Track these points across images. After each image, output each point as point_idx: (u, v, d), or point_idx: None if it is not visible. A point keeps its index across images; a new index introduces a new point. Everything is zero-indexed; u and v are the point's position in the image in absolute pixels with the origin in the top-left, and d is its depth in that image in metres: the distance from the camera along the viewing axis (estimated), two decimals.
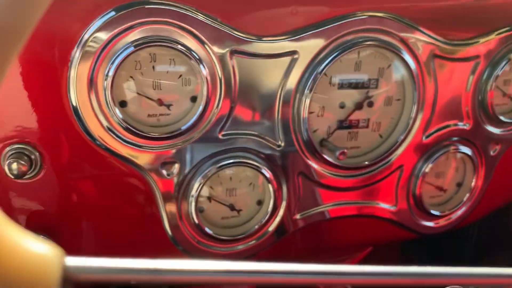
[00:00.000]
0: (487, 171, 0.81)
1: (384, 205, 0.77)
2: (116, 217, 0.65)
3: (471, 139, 0.77)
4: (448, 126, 0.75)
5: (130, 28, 0.55)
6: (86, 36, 0.54)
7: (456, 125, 0.75)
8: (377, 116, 0.71)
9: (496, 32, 0.71)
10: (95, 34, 0.54)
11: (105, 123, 0.57)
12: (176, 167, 0.62)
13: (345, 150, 0.66)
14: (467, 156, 0.78)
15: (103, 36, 0.54)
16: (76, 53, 0.54)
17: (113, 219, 0.65)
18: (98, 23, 0.54)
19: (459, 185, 0.82)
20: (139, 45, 0.55)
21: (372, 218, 0.77)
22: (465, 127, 0.76)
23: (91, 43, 0.54)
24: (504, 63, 0.73)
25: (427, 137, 0.74)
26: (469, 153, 0.78)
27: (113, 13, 0.54)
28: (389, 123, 0.72)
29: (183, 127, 0.59)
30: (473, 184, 0.80)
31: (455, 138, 0.77)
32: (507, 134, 0.79)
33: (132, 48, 0.55)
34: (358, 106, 0.69)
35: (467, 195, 0.80)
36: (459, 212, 0.82)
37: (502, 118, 0.76)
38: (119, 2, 0.54)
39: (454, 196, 0.82)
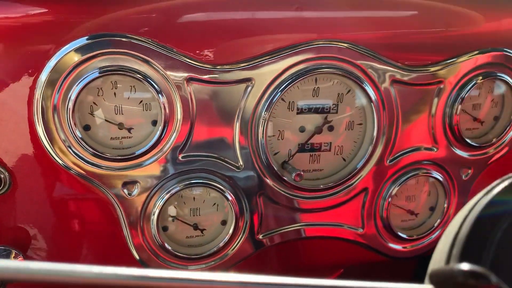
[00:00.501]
0: (461, 196, 0.81)
1: (350, 227, 0.78)
2: (81, 234, 0.69)
3: (440, 163, 0.78)
4: (414, 150, 0.76)
5: (93, 57, 0.59)
6: (52, 63, 0.59)
7: (423, 149, 0.76)
8: (340, 140, 0.73)
9: (460, 59, 0.73)
10: (61, 61, 0.59)
11: (68, 145, 0.62)
12: (137, 187, 0.66)
13: (301, 172, 0.68)
14: (437, 180, 0.78)
15: (68, 63, 0.59)
16: (42, 78, 0.59)
17: (78, 235, 0.69)
18: (64, 51, 0.59)
19: (432, 209, 0.82)
20: (101, 72, 0.59)
21: (339, 240, 0.78)
22: (433, 151, 0.77)
23: (56, 69, 0.59)
24: (469, 87, 0.74)
25: (391, 161, 0.75)
26: (439, 177, 0.78)
27: (78, 43, 0.59)
28: (352, 147, 0.74)
29: (143, 149, 0.63)
30: (444, 209, 0.80)
31: (424, 162, 0.77)
32: (478, 159, 0.79)
33: (94, 75, 0.60)
34: (318, 131, 0.71)
35: (438, 220, 0.80)
36: (432, 237, 0.82)
37: (470, 141, 0.76)
38: (82, 34, 0.59)
39: (427, 221, 0.82)
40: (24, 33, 0.59)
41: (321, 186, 0.72)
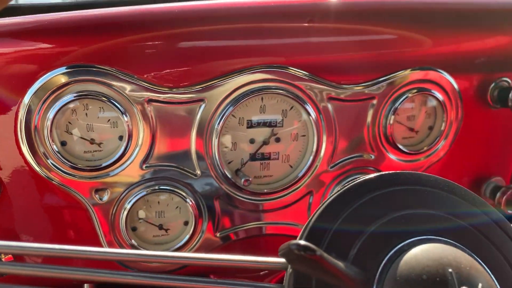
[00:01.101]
0: None
1: (300, 226, 0.88)
2: (62, 234, 0.80)
3: (377, 167, 0.88)
4: (353, 157, 0.87)
5: (67, 84, 0.71)
6: (33, 88, 0.70)
7: (361, 156, 0.87)
8: (286, 150, 0.84)
9: (391, 77, 0.83)
10: (41, 87, 0.70)
11: (47, 158, 0.73)
12: (107, 193, 0.77)
13: (250, 178, 0.79)
14: None
15: (47, 88, 0.70)
16: (25, 101, 0.70)
17: (59, 236, 0.80)
18: (43, 79, 0.70)
19: None
20: (75, 97, 0.71)
21: (291, 237, 0.89)
22: (370, 158, 0.87)
23: (36, 94, 0.70)
24: (400, 101, 0.84)
25: (332, 167, 0.86)
26: None
27: (56, 72, 0.71)
28: (297, 155, 0.85)
29: (109, 162, 0.75)
30: None
31: (364, 167, 0.88)
32: (413, 165, 0.90)
33: (68, 99, 0.71)
34: (266, 142, 0.82)
35: None
36: None
37: (403, 148, 0.87)
38: (60, 65, 0.70)
39: None
40: (13, 64, 0.70)
41: (265, 190, 0.82)
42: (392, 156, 0.87)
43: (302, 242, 0.36)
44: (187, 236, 0.81)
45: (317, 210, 0.41)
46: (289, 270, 0.38)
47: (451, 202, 0.44)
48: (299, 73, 0.78)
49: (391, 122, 0.84)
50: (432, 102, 0.88)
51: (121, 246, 0.80)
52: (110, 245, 0.80)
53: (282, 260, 0.38)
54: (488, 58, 0.89)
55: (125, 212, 0.78)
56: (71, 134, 0.74)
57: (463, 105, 0.89)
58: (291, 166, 0.85)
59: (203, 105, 0.76)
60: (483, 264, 0.42)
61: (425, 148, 0.87)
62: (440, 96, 0.86)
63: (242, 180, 0.79)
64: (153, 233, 0.83)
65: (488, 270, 0.42)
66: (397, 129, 0.88)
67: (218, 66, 0.76)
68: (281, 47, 0.78)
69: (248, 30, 0.76)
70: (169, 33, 0.73)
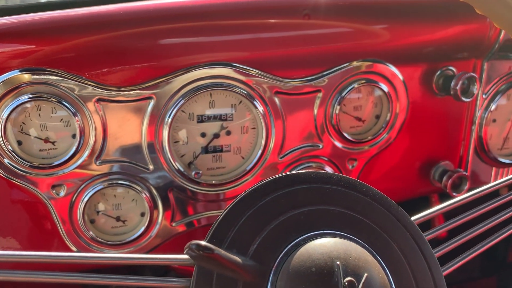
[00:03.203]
0: None
1: None
2: (23, 229, 0.84)
3: (326, 156, 0.92)
4: (302, 147, 0.91)
5: (20, 86, 0.74)
6: None
7: (309, 145, 0.91)
8: (238, 142, 0.88)
9: (334, 69, 0.87)
10: None
11: (3, 157, 0.76)
12: (64, 188, 0.81)
13: (200, 171, 0.83)
14: (323, 170, 0.93)
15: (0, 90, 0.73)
16: None
17: (21, 231, 0.84)
18: None
19: None
20: (30, 98, 0.74)
21: None
22: (318, 147, 0.91)
23: None
24: (346, 92, 0.88)
25: (282, 157, 0.90)
26: (326, 168, 0.93)
27: (10, 74, 0.73)
28: (248, 147, 0.88)
29: (63, 159, 0.78)
30: None
31: (313, 156, 0.92)
32: (360, 152, 0.94)
33: (21, 101, 0.74)
34: (216, 135, 0.85)
35: None
36: None
37: (348, 137, 0.91)
38: (11, 67, 0.73)
39: None
40: None
41: (213, 181, 0.86)
42: (338, 145, 0.91)
43: (201, 242, 0.40)
44: (143, 228, 0.86)
45: (224, 210, 0.45)
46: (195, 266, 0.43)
47: (352, 198, 0.48)
48: (244, 69, 0.82)
49: (337, 112, 0.88)
50: (378, 92, 0.92)
51: (80, 238, 0.84)
52: (71, 239, 0.84)
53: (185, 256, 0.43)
54: (435, 48, 0.93)
55: (82, 206, 0.82)
56: (26, 134, 0.77)
57: (410, 94, 0.93)
58: (242, 158, 0.89)
59: (152, 102, 0.80)
60: (377, 255, 0.46)
61: (370, 137, 0.91)
62: (385, 87, 0.90)
63: (193, 172, 0.83)
64: (112, 225, 0.87)
65: (381, 261, 0.46)
66: (344, 119, 0.92)
67: (165, 64, 0.79)
68: (225, 43, 0.81)
69: (192, 28, 0.79)
70: (114, 34, 0.76)
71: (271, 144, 0.87)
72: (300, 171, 0.48)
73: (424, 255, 0.48)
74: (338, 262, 0.42)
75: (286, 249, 0.44)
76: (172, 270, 1.06)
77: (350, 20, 0.86)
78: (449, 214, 0.56)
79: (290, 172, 0.48)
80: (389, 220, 0.48)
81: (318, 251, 0.43)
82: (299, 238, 0.44)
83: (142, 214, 0.88)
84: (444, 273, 0.49)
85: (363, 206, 0.48)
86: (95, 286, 1.11)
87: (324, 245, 0.44)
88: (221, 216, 0.44)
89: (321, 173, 0.49)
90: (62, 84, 0.75)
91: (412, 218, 0.50)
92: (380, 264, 0.45)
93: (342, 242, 0.45)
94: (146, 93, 0.79)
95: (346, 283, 0.40)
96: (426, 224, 0.55)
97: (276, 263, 0.43)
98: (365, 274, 0.42)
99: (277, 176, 0.48)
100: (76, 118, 0.76)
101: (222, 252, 0.40)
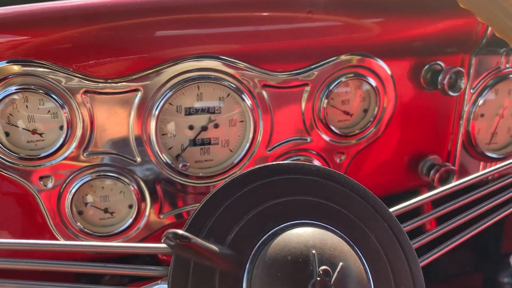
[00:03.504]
0: None
1: None
2: (13, 220, 0.85)
3: (314, 149, 0.93)
4: (290, 140, 0.91)
5: (6, 78, 0.74)
6: None
7: (297, 139, 0.91)
8: (226, 135, 0.88)
9: (324, 63, 0.87)
10: None
11: None
12: (51, 180, 0.81)
13: (187, 164, 0.83)
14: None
15: None
16: None
17: (11, 222, 0.85)
18: None
19: None
20: (17, 89, 0.74)
21: None
22: (307, 141, 0.92)
23: None
24: (333, 86, 0.88)
25: (270, 150, 0.90)
26: (315, 161, 0.93)
27: None
28: (236, 140, 0.89)
29: (50, 151, 0.78)
30: None
31: (301, 150, 0.93)
32: (348, 145, 0.95)
33: (7, 92, 0.74)
34: (204, 128, 0.86)
35: None
36: None
37: (336, 130, 0.91)
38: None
39: None
40: None
41: (200, 174, 0.87)
42: (326, 138, 0.92)
43: (178, 230, 0.41)
44: (131, 220, 0.86)
45: (203, 201, 0.45)
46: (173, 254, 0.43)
47: (330, 189, 0.49)
48: (233, 61, 0.82)
49: (325, 105, 0.89)
50: (366, 87, 0.92)
51: (68, 230, 0.85)
52: (59, 230, 0.85)
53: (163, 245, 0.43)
54: (423, 43, 0.93)
55: (70, 197, 0.82)
56: (14, 125, 0.77)
57: (398, 88, 0.93)
58: (231, 151, 0.89)
59: (139, 94, 0.80)
60: (354, 245, 0.47)
61: (357, 131, 0.92)
62: (373, 81, 0.90)
63: (180, 165, 0.83)
64: (99, 216, 0.87)
65: (358, 251, 0.47)
66: (332, 112, 0.92)
67: (152, 56, 0.79)
68: (214, 36, 0.81)
69: (180, 21, 0.79)
70: (102, 26, 0.76)
71: (259, 137, 0.88)
72: (279, 162, 0.49)
73: (402, 246, 0.49)
74: (313, 251, 0.42)
75: (263, 238, 0.44)
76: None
77: (340, 14, 0.86)
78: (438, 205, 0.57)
79: (269, 163, 0.49)
80: (367, 211, 0.49)
81: (294, 240, 0.43)
82: (277, 228, 0.45)
83: (130, 206, 0.88)
84: (422, 263, 0.50)
85: (342, 197, 0.49)
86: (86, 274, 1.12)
87: (301, 235, 0.44)
88: (200, 206, 0.45)
89: (300, 164, 0.49)
90: (49, 75, 0.75)
91: (391, 210, 0.51)
92: (357, 254, 0.46)
93: (319, 232, 0.45)
94: (133, 85, 0.79)
95: (321, 272, 0.41)
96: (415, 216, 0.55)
97: (253, 252, 0.43)
98: (341, 263, 0.42)
99: (256, 167, 0.49)
100: (64, 110, 0.77)
101: (199, 241, 0.41)
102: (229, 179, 0.47)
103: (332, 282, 0.41)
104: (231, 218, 0.45)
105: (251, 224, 0.45)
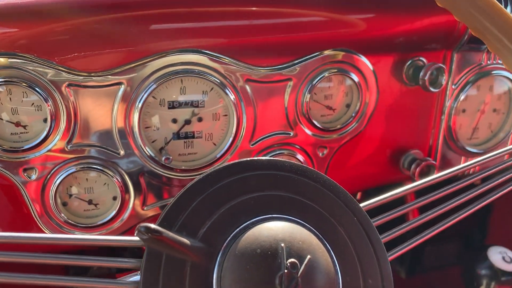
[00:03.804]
0: (320, 171, 0.98)
1: None
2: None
3: (297, 143, 0.94)
4: (273, 134, 0.92)
5: None
6: None
7: (281, 133, 0.92)
8: (209, 129, 0.89)
9: (304, 58, 0.88)
10: None
11: None
12: (35, 172, 0.82)
13: (170, 157, 0.84)
14: (297, 159, 0.95)
15: None
16: None
17: None
18: None
19: None
20: (1, 82, 0.74)
21: None
22: (290, 135, 0.93)
23: None
24: (316, 81, 0.89)
25: (253, 144, 0.91)
26: (298, 155, 0.95)
27: None
28: (220, 134, 0.90)
29: (34, 143, 0.79)
30: None
31: (284, 144, 0.94)
32: (330, 140, 0.96)
33: None
34: (187, 122, 0.87)
35: None
36: None
37: (318, 124, 0.92)
38: None
39: None
40: None
41: (183, 167, 0.88)
42: (309, 132, 0.93)
43: (150, 225, 0.42)
44: (114, 211, 0.87)
45: (176, 195, 0.47)
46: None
47: (302, 184, 0.50)
48: (216, 56, 0.83)
49: (307, 100, 0.90)
50: (349, 82, 0.93)
51: (52, 221, 0.86)
52: (43, 221, 0.86)
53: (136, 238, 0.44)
54: (406, 39, 0.94)
55: (54, 189, 0.83)
56: None
57: (380, 84, 0.95)
58: (214, 144, 0.90)
59: (122, 88, 0.81)
60: (323, 239, 0.48)
61: (339, 126, 0.93)
62: (355, 77, 0.91)
63: (163, 158, 0.84)
64: (84, 208, 0.88)
65: (327, 244, 0.48)
66: (315, 107, 0.93)
67: (135, 50, 0.80)
68: (198, 30, 0.82)
69: (164, 15, 0.80)
70: (85, 20, 0.76)
71: (243, 132, 0.89)
72: (253, 158, 0.50)
73: (371, 240, 0.50)
74: (282, 245, 0.44)
75: (235, 232, 0.46)
76: None
77: (322, 9, 0.87)
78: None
79: (243, 159, 0.50)
80: (338, 206, 0.50)
81: (264, 234, 0.45)
82: (248, 222, 0.46)
83: (115, 198, 0.89)
84: (390, 258, 0.52)
85: (313, 192, 0.50)
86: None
87: (271, 229, 0.46)
88: (173, 201, 0.46)
89: (273, 160, 0.51)
90: (33, 68, 0.76)
91: (361, 205, 0.52)
92: (326, 247, 0.48)
93: (289, 225, 0.47)
94: (117, 78, 0.80)
95: (288, 264, 0.42)
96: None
97: (224, 245, 0.45)
98: (308, 256, 0.44)
99: (231, 162, 0.50)
100: (47, 102, 0.77)
101: (170, 234, 0.42)
102: (203, 174, 0.48)
103: (299, 275, 0.42)
104: (204, 213, 0.46)
105: (223, 218, 0.46)
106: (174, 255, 0.44)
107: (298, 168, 0.51)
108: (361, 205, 0.52)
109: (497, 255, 1.02)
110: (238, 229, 0.46)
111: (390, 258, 0.52)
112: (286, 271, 0.42)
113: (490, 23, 0.66)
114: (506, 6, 0.94)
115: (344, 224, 0.50)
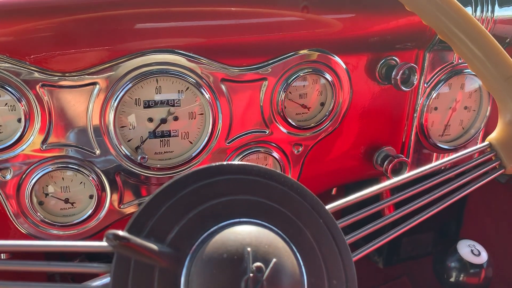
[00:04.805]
0: (296, 167, 1.00)
1: None
2: None
3: (273, 141, 0.96)
4: (249, 133, 0.94)
5: None
6: None
7: (256, 131, 0.94)
8: (185, 127, 0.90)
9: (279, 58, 0.89)
10: None
11: None
12: (10, 171, 0.82)
13: (146, 156, 0.85)
14: (273, 157, 0.97)
15: None
16: None
17: None
18: None
19: None
20: None
21: None
22: (265, 133, 0.95)
23: None
24: (291, 80, 0.91)
25: (229, 142, 0.93)
26: (275, 155, 0.96)
27: None
28: (196, 132, 0.91)
29: (8, 143, 0.79)
30: None
31: (260, 142, 0.95)
32: (305, 137, 0.98)
33: None
34: (163, 121, 0.87)
35: None
36: None
37: (292, 122, 0.94)
38: None
39: None
40: None
41: (158, 165, 0.89)
42: (284, 130, 0.95)
43: (117, 231, 0.43)
44: (91, 210, 0.88)
45: (145, 201, 0.48)
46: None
47: (270, 188, 0.52)
48: (191, 56, 0.83)
49: (283, 98, 0.91)
50: (323, 81, 0.95)
51: (28, 220, 0.86)
52: (19, 220, 0.86)
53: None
54: (379, 38, 0.96)
55: (30, 188, 0.83)
56: None
57: (354, 83, 0.96)
58: (191, 143, 0.91)
59: (97, 88, 0.81)
60: (289, 242, 0.50)
61: (313, 125, 0.95)
62: (329, 76, 0.93)
63: (139, 157, 0.85)
64: (60, 207, 0.89)
65: (293, 247, 0.50)
66: (290, 106, 0.95)
67: (110, 50, 0.80)
68: (172, 30, 0.83)
69: (138, 15, 0.80)
70: (59, 20, 0.76)
71: (218, 130, 0.90)
72: (221, 163, 0.51)
73: (336, 242, 0.52)
74: (249, 249, 0.45)
75: (203, 237, 0.47)
76: None
77: (298, 9, 0.88)
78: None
79: (212, 164, 0.51)
80: (304, 209, 0.52)
81: (231, 238, 0.46)
82: (216, 227, 0.48)
83: (91, 197, 0.90)
84: (354, 258, 0.54)
85: (280, 195, 0.52)
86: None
87: (238, 233, 0.47)
88: (141, 207, 0.47)
89: (241, 164, 0.52)
90: (5, 68, 0.75)
91: (327, 207, 0.54)
92: (292, 250, 0.49)
93: (256, 229, 0.48)
94: (92, 78, 0.80)
95: (254, 268, 0.44)
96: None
97: (192, 250, 0.46)
98: (274, 259, 0.46)
99: (199, 168, 0.51)
100: (21, 103, 0.77)
101: (138, 240, 0.43)
102: (171, 180, 0.49)
103: (264, 278, 0.44)
104: (172, 218, 0.47)
105: (192, 224, 0.47)
106: (142, 261, 0.45)
107: (266, 172, 0.52)
108: (328, 207, 0.54)
109: (466, 248, 1.05)
110: (206, 234, 0.47)
111: (355, 258, 0.54)
112: (251, 274, 0.43)
113: (455, 27, 0.68)
114: (476, 7, 0.96)
115: (310, 226, 0.52)
